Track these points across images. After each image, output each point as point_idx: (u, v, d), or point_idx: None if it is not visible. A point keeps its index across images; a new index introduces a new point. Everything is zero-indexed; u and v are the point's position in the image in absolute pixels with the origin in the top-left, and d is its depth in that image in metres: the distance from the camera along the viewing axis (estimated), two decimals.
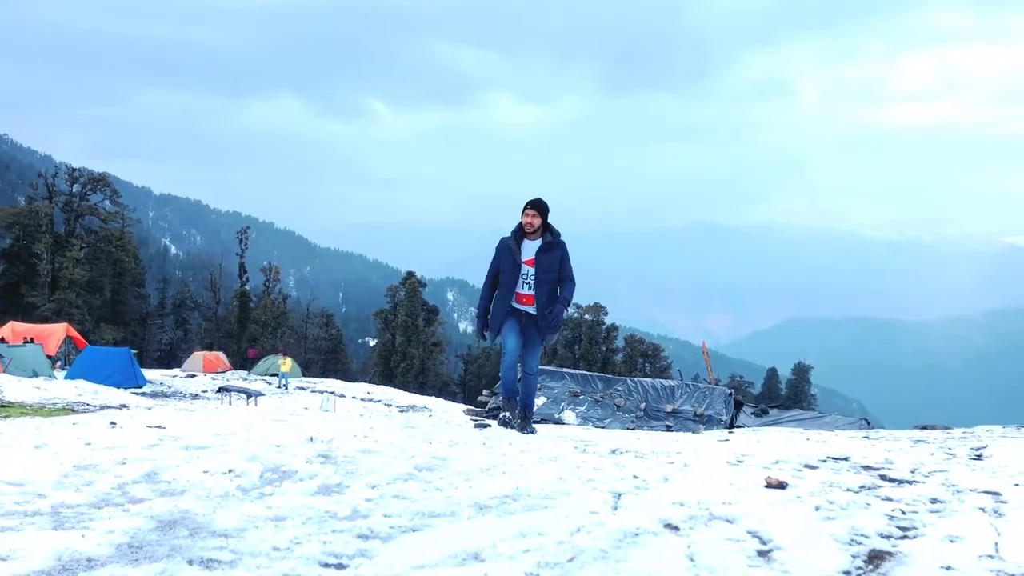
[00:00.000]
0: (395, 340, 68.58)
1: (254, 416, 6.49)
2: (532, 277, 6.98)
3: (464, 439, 5.41)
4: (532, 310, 7.03)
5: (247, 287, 70.60)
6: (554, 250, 7.01)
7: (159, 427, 5.17)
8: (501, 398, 7.39)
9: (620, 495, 3.48)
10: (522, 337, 7.09)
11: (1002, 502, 3.71)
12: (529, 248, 7.05)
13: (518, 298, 7.05)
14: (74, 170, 63.46)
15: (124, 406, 9.80)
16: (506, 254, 7.06)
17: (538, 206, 7.14)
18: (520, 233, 7.14)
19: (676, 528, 2.85)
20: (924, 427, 16.39)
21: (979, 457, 6.61)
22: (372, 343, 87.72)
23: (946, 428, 13.51)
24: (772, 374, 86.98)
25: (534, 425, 7.43)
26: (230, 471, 3.59)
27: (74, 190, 62.53)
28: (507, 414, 7.17)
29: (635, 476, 4.03)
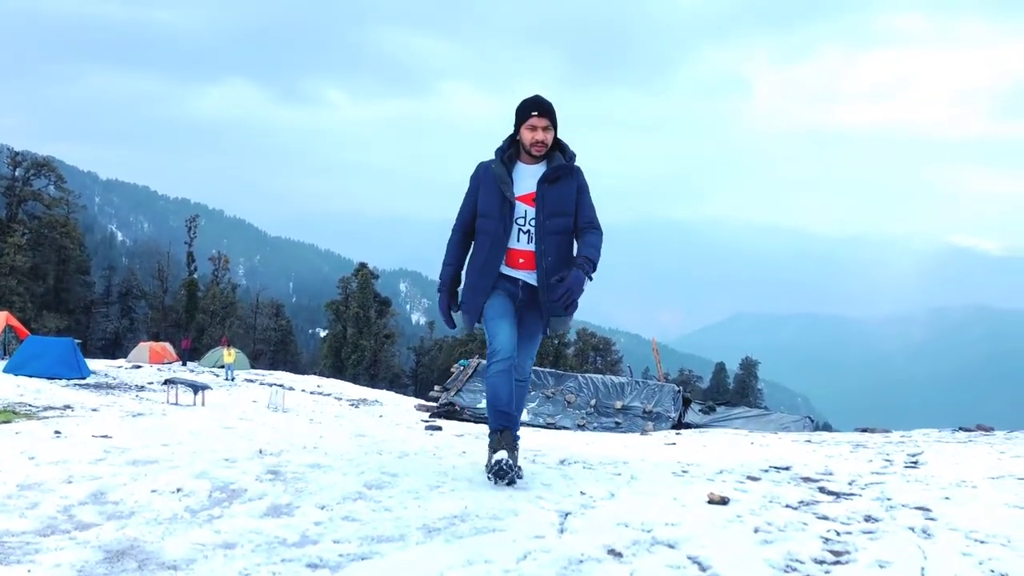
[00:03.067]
0: (346, 332, 68.17)
1: (202, 423, 6.44)
2: (533, 223, 4.52)
3: (414, 449, 5.44)
4: (532, 277, 4.56)
5: (195, 276, 69.63)
6: (566, 179, 4.56)
7: (105, 436, 5.12)
8: (490, 429, 4.55)
9: (567, 515, 3.55)
10: (517, 323, 4.62)
11: (931, 519, 3.86)
12: (526, 176, 4.58)
13: (510, 258, 4.56)
14: (17, 153, 61.91)
15: (68, 407, 9.65)
16: (490, 186, 4.56)
17: (549, 111, 4.55)
18: (510, 153, 4.64)
19: (619, 555, 2.93)
20: (865, 429, 16.82)
21: (915, 464, 6.83)
22: (323, 334, 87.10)
23: (885, 431, 13.89)
24: (720, 369, 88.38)
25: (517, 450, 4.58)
26: (178, 490, 3.59)
27: (17, 174, 61.00)
28: (501, 456, 4.27)
29: (582, 492, 4.11)
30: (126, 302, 72.35)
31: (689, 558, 2.91)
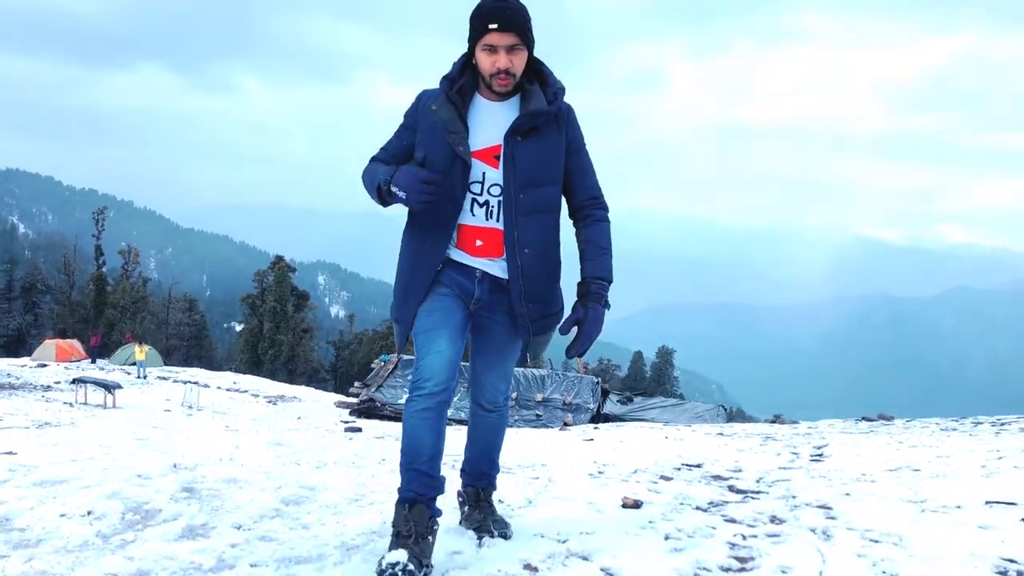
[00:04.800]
0: (263, 326, 66.99)
1: (114, 434, 6.29)
2: (496, 193, 3.16)
3: (333, 458, 5.43)
4: (497, 267, 3.21)
5: (104, 270, 67.40)
6: (549, 129, 3.18)
7: (10, 453, 4.97)
8: (398, 496, 3.11)
9: None
10: (467, 335, 3.32)
11: (832, 518, 4.05)
12: (487, 120, 3.17)
13: (462, 238, 3.20)
14: None
15: None
16: (433, 135, 3.14)
17: (516, 22, 3.03)
18: (463, 84, 3.17)
19: (535, 569, 3.00)
20: (775, 420, 17.39)
21: (820, 457, 7.13)
22: (238, 328, 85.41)
23: (794, 423, 14.41)
24: (638, 357, 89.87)
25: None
26: (89, 513, 3.52)
27: None
28: (396, 561, 2.84)
29: (500, 501, 4.18)
30: (30, 297, 69.60)
31: (602, 570, 3.00)
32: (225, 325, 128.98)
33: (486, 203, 3.16)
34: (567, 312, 3.24)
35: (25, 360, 40.04)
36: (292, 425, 13.51)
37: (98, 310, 63.61)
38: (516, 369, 25.41)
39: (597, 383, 24.93)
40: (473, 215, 3.17)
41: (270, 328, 66.53)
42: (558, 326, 3.27)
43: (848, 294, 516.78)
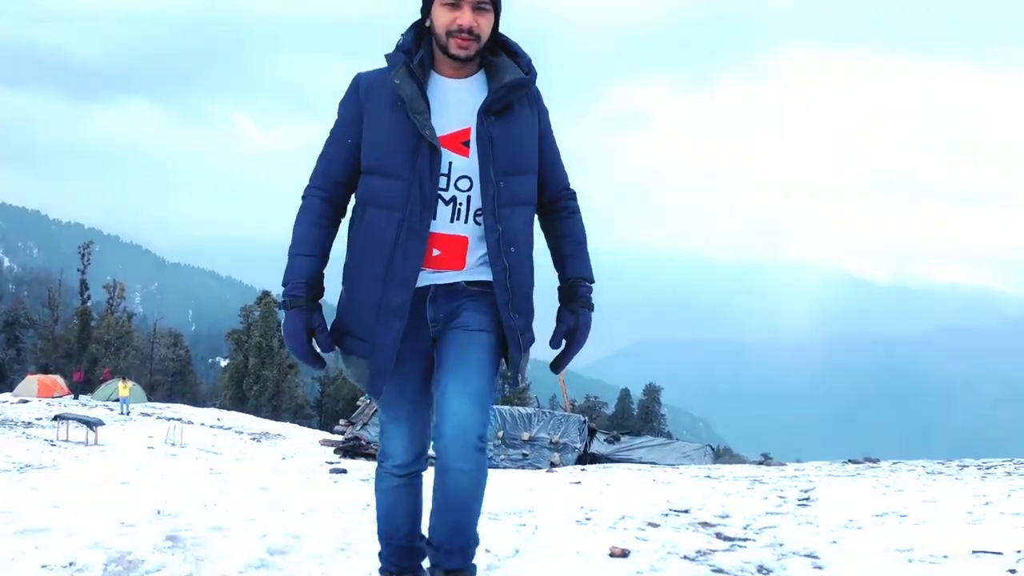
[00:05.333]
0: (248, 362, 66.61)
1: (96, 477, 6.23)
2: (469, 184, 2.64)
3: (318, 503, 5.39)
4: (449, 276, 2.68)
5: (89, 304, 67.05)
6: (523, 107, 2.72)
7: None
8: (381, 567, 2.96)
9: None
10: (429, 361, 2.75)
11: (819, 568, 4.05)
12: (449, 100, 2.65)
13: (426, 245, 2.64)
14: None
15: None
16: (386, 118, 2.60)
17: None
18: (421, 56, 2.63)
19: None
20: (763, 460, 17.37)
21: (807, 501, 7.12)
22: (223, 364, 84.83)
23: (781, 464, 14.40)
24: (625, 395, 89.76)
25: None
26: (71, 564, 3.47)
27: None
28: None
29: (487, 550, 4.16)
30: (12, 332, 69.01)
31: None
32: (210, 360, 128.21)
33: (452, 200, 2.61)
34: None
35: (7, 396, 39.61)
36: (277, 465, 13.40)
37: (82, 345, 63.14)
38: (503, 408, 25.24)
39: (584, 422, 24.85)
40: (435, 219, 2.60)
41: (255, 364, 66.14)
42: (549, 340, 2.81)
43: (835, 332, 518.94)
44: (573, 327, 2.81)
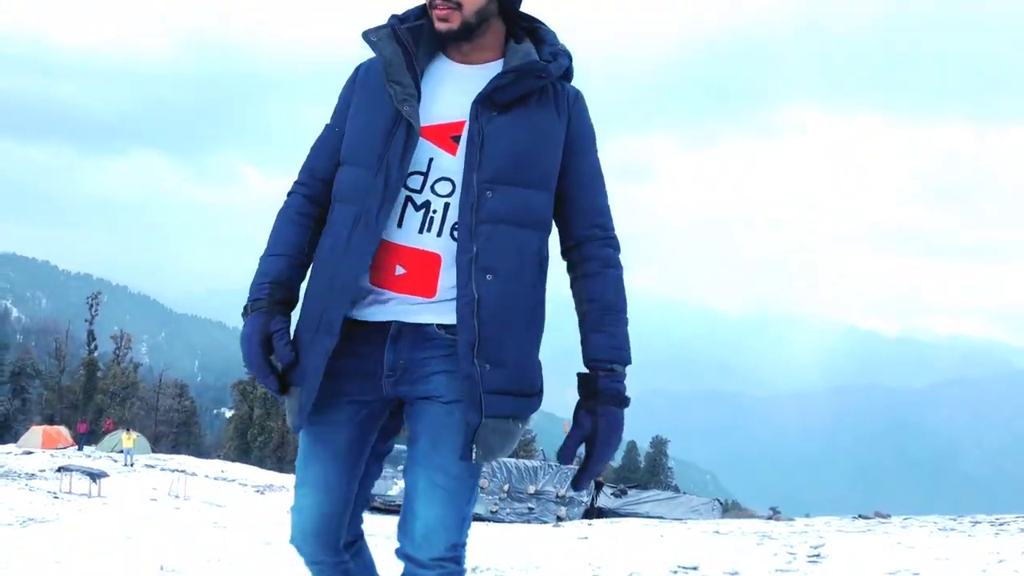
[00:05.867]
0: (253, 412, 66.41)
1: (99, 530, 6.18)
2: (451, 189, 2.00)
3: None
4: (426, 312, 2.00)
5: (95, 355, 67.13)
6: (541, 102, 2.06)
7: None
8: None
9: None
10: (372, 419, 2.11)
11: None
12: (448, 85, 2.07)
13: (377, 259, 1.98)
14: None
15: None
16: (369, 96, 2.08)
17: None
18: (418, 26, 2.08)
19: None
20: (772, 515, 17.17)
21: (817, 558, 7.03)
22: (228, 414, 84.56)
23: (790, 519, 14.23)
24: (632, 447, 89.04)
25: None
26: None
27: None
28: None
29: None
30: (19, 382, 68.94)
31: None
32: (215, 411, 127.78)
33: (425, 206, 1.99)
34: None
35: (11, 447, 39.45)
36: (281, 518, 13.29)
37: (88, 396, 63.04)
38: (508, 460, 25.02)
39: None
40: (400, 226, 1.99)
41: (260, 415, 65.89)
42: (558, 450, 2.07)
43: (841, 384, 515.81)
44: (590, 432, 2.02)
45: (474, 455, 1.94)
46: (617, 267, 2.14)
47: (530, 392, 2.04)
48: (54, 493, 16.73)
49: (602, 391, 2.04)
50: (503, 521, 20.66)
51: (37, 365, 70.43)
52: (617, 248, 2.16)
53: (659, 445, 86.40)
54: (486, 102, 1.99)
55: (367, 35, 2.05)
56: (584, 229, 2.13)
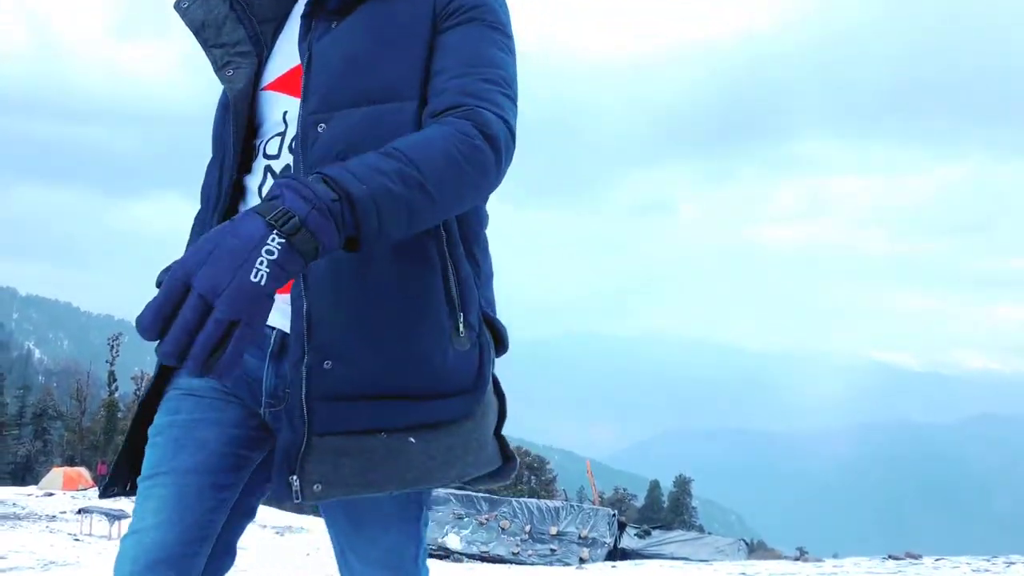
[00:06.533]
0: None
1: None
2: (297, 119, 1.46)
3: None
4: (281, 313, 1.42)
5: (116, 396, 67.56)
6: None
7: None
8: None
9: None
10: (232, 451, 1.49)
11: None
12: (293, 35, 1.54)
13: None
14: None
15: None
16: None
17: None
18: None
19: None
20: (799, 556, 16.85)
21: None
22: None
23: (818, 560, 13.92)
24: (655, 486, 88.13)
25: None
26: None
27: None
28: None
29: None
30: (40, 423, 69.35)
31: None
32: None
33: (286, 172, 1.52)
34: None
35: (32, 488, 39.58)
36: (300, 561, 13.20)
37: (108, 437, 63.30)
38: (530, 501, 24.90)
39: (614, 515, 24.33)
40: (262, 196, 1.51)
41: None
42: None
43: (868, 421, 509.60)
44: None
45: (295, 490, 1.36)
46: (453, 130, 1.34)
47: (429, 392, 1.45)
48: (75, 536, 16.68)
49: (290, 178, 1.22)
50: (525, 563, 20.41)
51: (59, 406, 70.88)
52: (481, 123, 1.37)
53: (683, 484, 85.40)
54: (316, 11, 1.52)
55: (178, 5, 1.61)
56: (441, 105, 1.42)
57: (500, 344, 1.62)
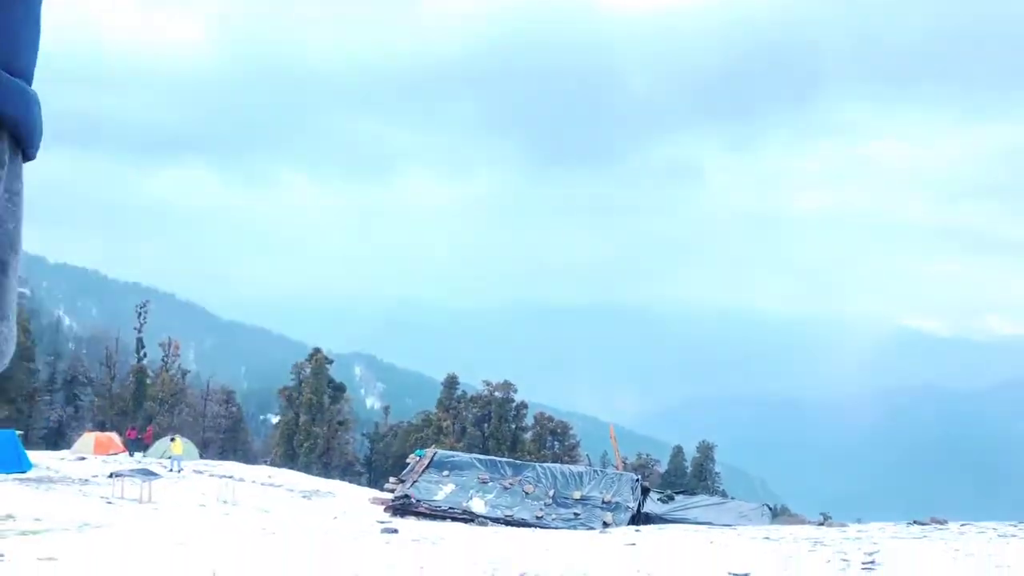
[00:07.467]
0: (299, 419, 67.19)
1: (152, 536, 6.25)
2: None
3: (370, 568, 5.33)
4: None
5: (144, 362, 68.46)
6: None
7: (51, 559, 4.94)
8: None
9: None
10: None
11: None
12: None
13: None
14: None
15: (10, 516, 9.31)
16: None
17: None
18: None
19: None
20: (823, 521, 16.88)
21: (872, 564, 6.85)
22: (275, 420, 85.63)
23: (842, 525, 13.94)
24: (678, 452, 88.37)
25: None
26: None
27: None
28: None
29: None
30: (71, 389, 70.52)
31: None
32: (261, 417, 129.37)
33: None
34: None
35: (64, 453, 40.38)
36: (329, 525, 13.40)
37: (137, 402, 64.26)
38: (553, 466, 25.18)
39: (637, 480, 24.46)
40: None
41: (306, 420, 66.58)
42: None
43: (893, 386, 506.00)
44: None
45: None
46: None
47: None
48: (107, 499, 17.03)
49: None
50: (549, 527, 20.59)
51: (89, 373, 71.96)
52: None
53: (706, 450, 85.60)
54: None
55: None
56: None
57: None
